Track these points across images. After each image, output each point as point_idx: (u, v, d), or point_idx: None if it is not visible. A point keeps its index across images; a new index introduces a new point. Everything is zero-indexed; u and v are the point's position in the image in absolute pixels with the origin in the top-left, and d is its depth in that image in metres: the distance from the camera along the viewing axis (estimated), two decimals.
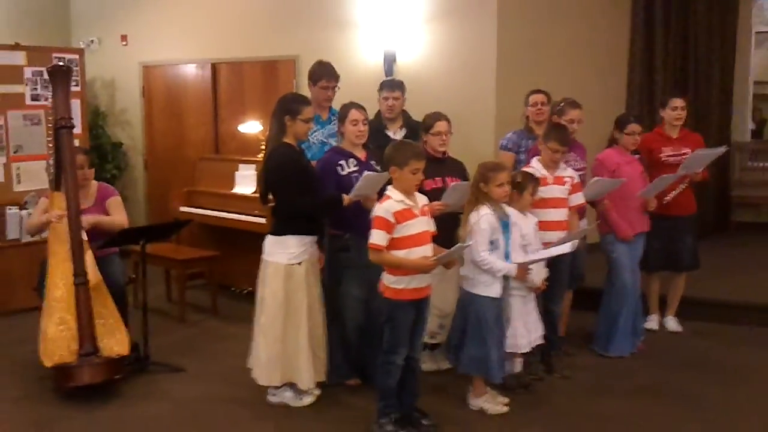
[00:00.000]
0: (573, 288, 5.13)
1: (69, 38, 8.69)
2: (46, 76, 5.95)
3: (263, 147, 4.47)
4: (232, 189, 6.56)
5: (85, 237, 4.65)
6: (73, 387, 4.33)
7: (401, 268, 3.76)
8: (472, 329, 4.11)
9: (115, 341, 4.51)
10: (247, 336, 4.39)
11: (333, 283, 4.48)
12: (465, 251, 4.05)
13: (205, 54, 7.83)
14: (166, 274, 6.50)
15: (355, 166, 4.37)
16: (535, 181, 4.36)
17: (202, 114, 7.99)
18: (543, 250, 4.31)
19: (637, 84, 7.58)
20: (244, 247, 5.88)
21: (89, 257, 4.63)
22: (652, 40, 7.56)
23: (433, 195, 4.31)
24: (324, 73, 5.06)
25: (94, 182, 5.13)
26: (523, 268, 4.15)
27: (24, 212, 6.13)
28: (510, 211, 4.20)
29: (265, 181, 4.25)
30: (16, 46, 6.35)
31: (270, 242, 4.21)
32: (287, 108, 4.18)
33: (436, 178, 4.51)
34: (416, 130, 4.97)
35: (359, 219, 4.06)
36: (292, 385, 4.27)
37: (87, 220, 4.74)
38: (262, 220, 5.84)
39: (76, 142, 5.21)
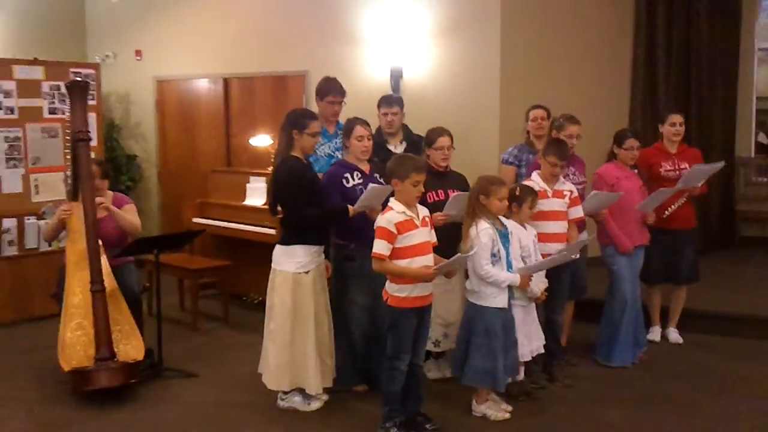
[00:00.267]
0: (575, 299, 5.25)
1: (85, 53, 8.90)
2: (63, 90, 6.19)
3: (273, 160, 4.63)
4: (243, 201, 6.69)
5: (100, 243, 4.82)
6: (90, 390, 4.48)
7: (403, 277, 3.91)
8: (478, 341, 4.21)
9: (130, 347, 4.67)
10: (258, 344, 4.53)
11: (339, 292, 4.62)
12: (468, 263, 4.19)
13: (218, 69, 8.01)
14: (180, 284, 6.65)
15: (359, 178, 4.52)
16: (534, 194, 4.48)
17: (214, 127, 8.15)
18: (543, 260, 4.43)
19: (640, 100, 7.68)
20: (255, 257, 5.99)
21: (105, 265, 4.80)
22: (654, 56, 7.66)
23: (436, 207, 4.46)
24: (331, 89, 5.22)
25: (110, 192, 5.29)
26: (526, 276, 4.28)
27: (42, 222, 6.28)
28: (509, 223, 4.33)
29: (273, 193, 4.40)
30: (35, 61, 6.51)
31: (278, 252, 4.36)
32: (295, 122, 4.33)
33: (439, 191, 4.65)
34: (417, 143, 5.11)
35: (364, 229, 4.19)
36: (300, 391, 4.41)
37: (100, 201, 4.91)
38: (273, 231, 5.98)
39: (92, 155, 5.37)
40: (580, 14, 7.18)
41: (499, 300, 4.22)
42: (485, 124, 6.58)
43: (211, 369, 5.14)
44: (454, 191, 4.66)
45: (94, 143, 6.06)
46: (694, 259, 5.61)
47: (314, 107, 5.43)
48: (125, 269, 5.10)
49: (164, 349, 5.05)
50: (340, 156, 5.03)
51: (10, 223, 6.23)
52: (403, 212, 3.91)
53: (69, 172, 5.10)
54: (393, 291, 3.96)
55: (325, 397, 4.47)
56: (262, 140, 7.11)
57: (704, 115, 7.98)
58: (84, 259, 4.76)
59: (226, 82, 8.04)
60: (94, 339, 4.57)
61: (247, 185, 6.72)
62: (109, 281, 4.75)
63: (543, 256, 4.50)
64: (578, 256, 4.77)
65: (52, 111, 6.51)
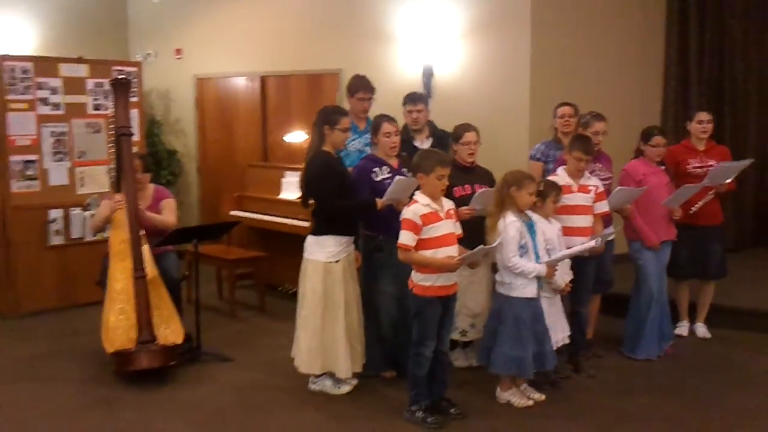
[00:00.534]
0: (601, 293, 5.36)
1: (127, 51, 9.18)
2: (107, 87, 6.45)
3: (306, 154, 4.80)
4: (278, 194, 6.89)
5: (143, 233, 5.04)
6: (132, 371, 4.72)
7: (428, 267, 4.06)
8: (507, 330, 4.34)
9: (170, 331, 4.89)
10: (292, 331, 4.72)
11: (368, 281, 4.78)
12: (497, 255, 4.33)
13: (255, 67, 8.20)
14: (218, 273, 6.87)
15: (388, 173, 4.68)
16: (557, 189, 4.59)
17: (252, 124, 8.35)
18: (567, 250, 4.54)
19: (672, 98, 7.69)
20: (290, 249, 6.10)
21: (147, 254, 5.02)
22: (686, 54, 7.67)
23: (462, 202, 4.60)
24: (361, 86, 5.39)
25: (151, 185, 5.52)
26: (552, 267, 4.40)
27: (87, 213, 6.53)
28: (534, 216, 4.45)
29: (305, 186, 4.58)
30: (80, 60, 6.75)
31: (310, 242, 4.55)
32: (327, 119, 4.51)
33: (465, 186, 4.78)
34: (442, 138, 5.22)
35: (392, 221, 4.34)
36: (331, 375, 4.59)
37: (142, 211, 5.12)
38: (307, 224, 6.10)
39: (134, 149, 5.58)
40: (611, 12, 7.21)
41: (528, 290, 4.35)
42: (515, 121, 6.64)
43: (247, 354, 5.35)
44: (480, 186, 4.79)
45: (136, 138, 6.26)
46: (722, 255, 5.67)
47: (347, 105, 5.60)
48: (166, 258, 5.32)
49: (202, 335, 5.27)
50: (369, 151, 5.18)
51: (56, 213, 6.48)
52: (428, 205, 4.06)
53: (112, 166, 5.32)
54: (418, 280, 4.12)
55: (354, 382, 4.64)
56: (298, 136, 7.30)
57: (738, 112, 7.95)
58: (127, 248, 4.98)
59: (263, 80, 8.22)
60: (135, 323, 4.80)
61: (283, 179, 6.91)
62: (150, 269, 4.98)
63: (567, 249, 4.60)
64: (603, 248, 4.85)
65: (96, 107, 6.74)
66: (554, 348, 4.60)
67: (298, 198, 4.73)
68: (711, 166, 5.42)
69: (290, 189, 6.74)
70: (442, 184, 4.08)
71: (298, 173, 6.55)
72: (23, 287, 6.37)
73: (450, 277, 4.12)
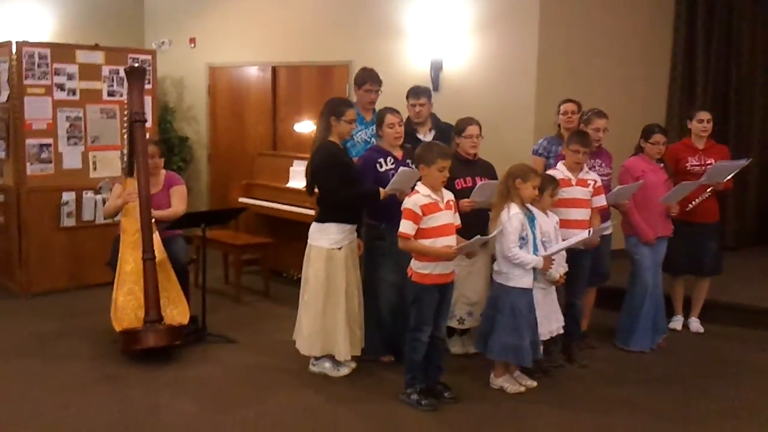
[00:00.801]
0: (596, 285, 5.47)
1: (142, 39, 9.33)
2: (121, 74, 6.59)
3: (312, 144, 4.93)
4: (286, 183, 7.02)
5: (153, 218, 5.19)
6: (139, 349, 4.87)
7: (427, 255, 4.21)
8: (505, 319, 4.48)
9: (176, 312, 5.05)
10: (295, 315, 4.86)
11: (370, 269, 4.92)
12: (497, 245, 4.46)
13: (267, 57, 8.33)
14: (224, 258, 7.03)
15: (392, 164, 4.81)
16: (555, 182, 4.70)
17: (262, 113, 8.48)
18: (563, 241, 4.66)
19: (678, 96, 7.76)
20: (296, 236, 6.21)
21: (156, 237, 5.17)
22: (693, 52, 7.73)
23: (463, 194, 4.73)
24: (368, 78, 5.51)
25: (163, 171, 5.67)
26: (548, 259, 4.53)
27: (98, 197, 6.70)
28: (532, 209, 4.58)
29: (311, 175, 4.72)
30: (96, 47, 6.88)
31: (314, 229, 4.69)
32: (333, 110, 4.64)
33: (467, 178, 4.90)
34: (445, 131, 5.34)
35: (394, 211, 4.45)
36: (331, 357, 4.74)
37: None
38: (313, 212, 6.23)
39: (147, 135, 5.73)
40: (618, 9, 7.29)
41: (525, 281, 4.48)
42: (521, 116, 6.75)
43: (250, 336, 5.51)
44: (481, 179, 4.91)
45: (149, 125, 6.33)
46: (717, 252, 5.77)
47: (355, 96, 5.72)
48: (174, 241, 5.48)
49: (207, 317, 5.43)
50: (375, 142, 5.30)
51: (69, 196, 6.63)
52: (429, 195, 4.20)
53: (125, 151, 5.47)
54: (417, 268, 4.26)
55: (353, 365, 4.79)
56: (307, 126, 7.43)
57: (743, 111, 8.02)
58: (138, 231, 5.13)
59: (275, 70, 8.34)
60: (143, 303, 4.95)
61: (291, 168, 7.03)
62: (159, 251, 5.12)
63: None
64: (598, 241, 4.99)
65: (110, 93, 6.86)
66: (549, 338, 4.75)
67: (304, 187, 4.86)
68: (710, 164, 5.51)
69: (298, 178, 6.85)
70: (443, 176, 4.22)
71: (307, 162, 6.78)
72: (35, 267, 6.54)
73: (447, 265, 4.26)
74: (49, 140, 6.56)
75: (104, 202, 6.46)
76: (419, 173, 4.31)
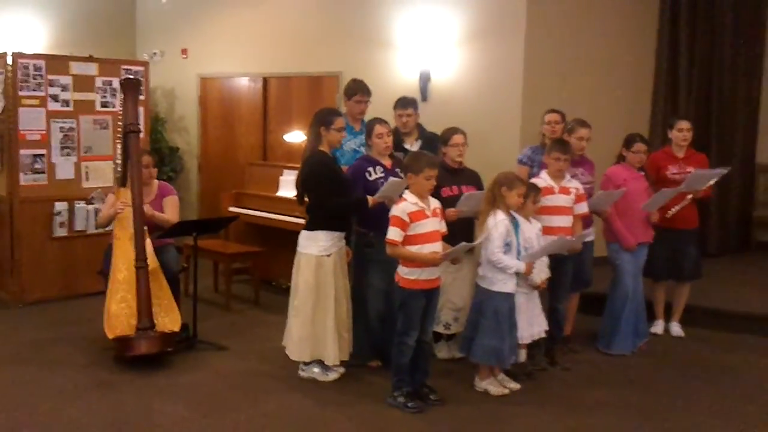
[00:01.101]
0: (579, 291, 5.61)
1: (134, 50, 9.42)
2: (115, 85, 6.70)
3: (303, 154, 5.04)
4: (276, 192, 7.10)
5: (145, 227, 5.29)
6: (132, 356, 4.95)
7: (414, 261, 4.33)
8: (488, 323, 4.60)
9: (168, 319, 5.14)
10: (284, 323, 4.96)
11: (358, 275, 5.03)
12: (482, 251, 4.58)
13: (258, 68, 8.45)
14: (215, 267, 7.11)
15: (381, 173, 4.93)
16: (537, 190, 4.84)
17: (253, 123, 8.58)
18: (543, 245, 4.77)
19: (661, 106, 7.90)
20: (286, 245, 6.21)
21: (149, 245, 5.26)
22: (676, 64, 7.88)
23: (450, 202, 4.84)
24: (358, 89, 5.62)
25: (156, 181, 5.76)
26: (530, 264, 4.66)
27: (90, 207, 6.76)
28: (516, 216, 4.70)
29: (302, 184, 4.83)
30: (90, 59, 6.96)
31: (303, 236, 4.80)
32: (322, 120, 4.76)
33: (453, 187, 5.02)
34: (431, 141, 5.44)
35: (383, 219, 4.55)
36: (320, 362, 4.84)
37: (146, 209, 5.36)
38: (303, 221, 6.33)
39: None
40: (603, 22, 7.43)
41: (508, 286, 4.61)
42: (507, 126, 6.85)
43: (241, 343, 5.60)
44: (467, 187, 5.04)
45: (141, 135, 6.48)
46: (697, 258, 5.91)
47: (345, 107, 5.83)
48: (166, 250, 5.56)
49: (198, 325, 5.52)
50: (364, 151, 5.40)
51: (61, 206, 6.69)
52: (416, 203, 4.32)
53: (118, 161, 5.55)
54: (404, 274, 4.38)
55: (342, 370, 4.89)
56: (297, 136, 7.53)
57: (726, 122, 8.17)
58: (130, 240, 5.22)
59: (265, 80, 8.45)
60: (135, 311, 5.03)
61: (281, 178, 7.11)
62: (151, 260, 5.21)
63: None
64: (580, 247, 5.13)
65: (104, 104, 6.93)
66: (531, 341, 4.87)
67: (295, 196, 4.96)
68: (689, 172, 5.64)
69: (288, 187, 6.92)
70: (430, 185, 4.34)
71: (297, 172, 6.86)
72: (28, 277, 6.58)
73: (434, 271, 4.38)
74: (43, 151, 6.63)
75: (96, 212, 6.52)
76: (407, 182, 4.43)
